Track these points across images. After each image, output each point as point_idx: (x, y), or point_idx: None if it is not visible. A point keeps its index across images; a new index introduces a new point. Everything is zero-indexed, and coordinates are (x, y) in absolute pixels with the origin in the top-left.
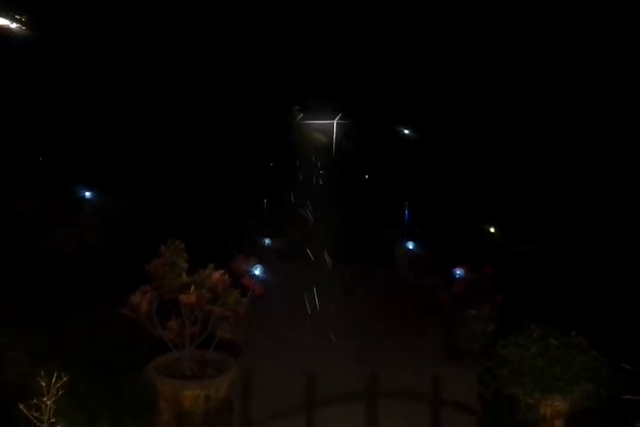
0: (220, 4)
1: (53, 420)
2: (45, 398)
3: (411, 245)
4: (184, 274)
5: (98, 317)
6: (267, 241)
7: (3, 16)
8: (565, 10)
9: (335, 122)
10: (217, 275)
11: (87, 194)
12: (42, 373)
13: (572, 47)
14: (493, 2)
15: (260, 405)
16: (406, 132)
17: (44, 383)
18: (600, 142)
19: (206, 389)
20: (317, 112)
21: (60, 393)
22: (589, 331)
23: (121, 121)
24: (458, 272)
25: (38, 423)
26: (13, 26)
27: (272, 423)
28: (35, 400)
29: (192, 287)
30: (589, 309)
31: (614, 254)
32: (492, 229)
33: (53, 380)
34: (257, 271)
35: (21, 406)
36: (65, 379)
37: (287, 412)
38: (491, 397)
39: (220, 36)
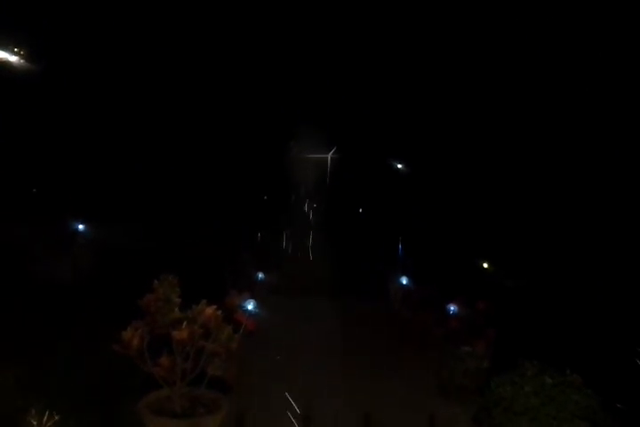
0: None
1: None
2: None
3: (405, 281)
4: (177, 309)
5: (90, 351)
6: (260, 275)
7: (2, 49)
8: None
9: (329, 156)
10: (210, 311)
11: (80, 226)
12: (33, 411)
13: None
14: (476, 43)
15: None
16: (400, 166)
17: (34, 422)
18: (586, 186)
19: None
20: (312, 146)
21: None
22: (581, 365)
23: (117, 153)
24: (452, 308)
25: None
26: (13, 59)
27: None
28: None
29: (184, 323)
30: (582, 343)
31: (606, 290)
32: (485, 265)
33: (45, 418)
34: (250, 306)
35: None
36: (56, 418)
37: None
38: None
39: (214, 68)
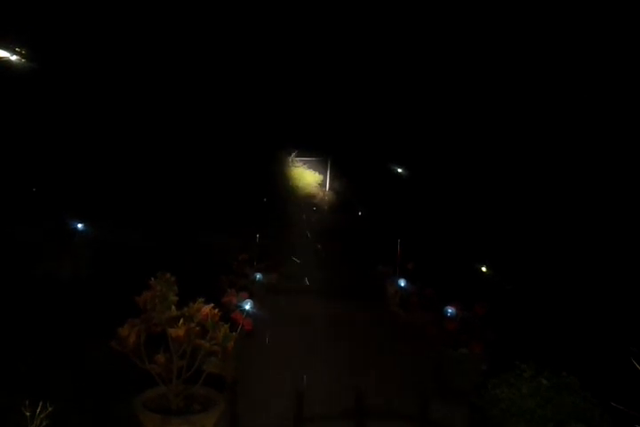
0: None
1: None
2: None
3: (403, 283)
4: (173, 307)
5: (86, 347)
6: (258, 276)
7: (3, 48)
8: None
9: (329, 160)
10: (206, 309)
11: (80, 225)
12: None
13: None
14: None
15: None
16: (400, 170)
17: (27, 412)
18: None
19: (192, 425)
20: (310, 151)
21: (44, 424)
22: (579, 369)
23: (115, 155)
24: (449, 310)
25: None
26: (13, 58)
27: None
28: None
29: (181, 321)
30: (579, 347)
31: (604, 293)
32: (484, 269)
33: (38, 410)
34: (247, 306)
35: None
36: (50, 409)
37: None
38: None
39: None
